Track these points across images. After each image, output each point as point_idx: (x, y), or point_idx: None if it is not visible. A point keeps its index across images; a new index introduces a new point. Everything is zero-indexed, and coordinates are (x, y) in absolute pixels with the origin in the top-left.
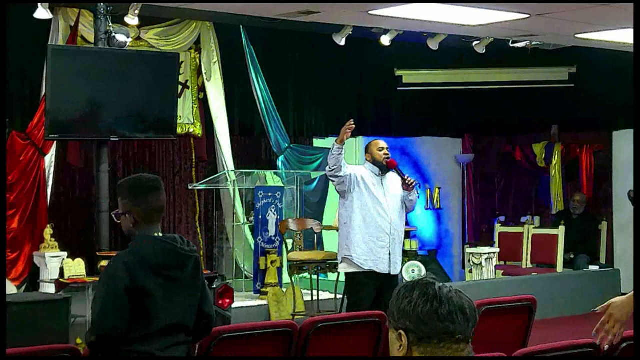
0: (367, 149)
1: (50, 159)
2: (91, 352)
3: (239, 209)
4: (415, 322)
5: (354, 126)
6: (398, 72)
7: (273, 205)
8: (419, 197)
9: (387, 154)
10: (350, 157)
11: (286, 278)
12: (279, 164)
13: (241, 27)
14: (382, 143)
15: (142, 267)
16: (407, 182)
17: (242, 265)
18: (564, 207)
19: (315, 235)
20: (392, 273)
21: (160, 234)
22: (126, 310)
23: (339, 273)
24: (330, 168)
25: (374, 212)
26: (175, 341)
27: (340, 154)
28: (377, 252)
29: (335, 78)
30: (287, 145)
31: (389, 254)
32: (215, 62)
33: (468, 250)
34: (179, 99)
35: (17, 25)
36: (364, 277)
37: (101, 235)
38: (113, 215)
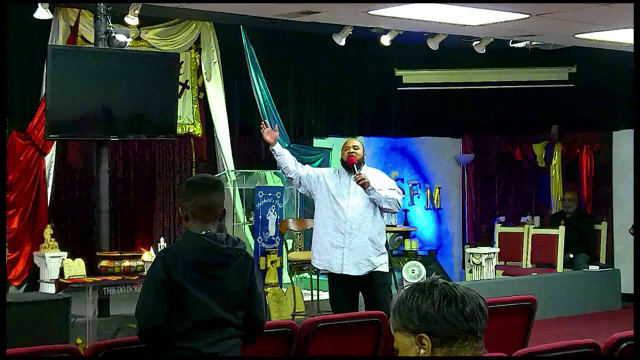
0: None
1: (50, 159)
2: (142, 344)
3: (239, 209)
4: (441, 325)
5: (265, 126)
6: (398, 72)
7: (273, 205)
8: (388, 199)
9: (351, 152)
10: None
11: (286, 278)
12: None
13: (241, 27)
14: (350, 142)
15: (179, 263)
16: (355, 178)
17: None
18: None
19: None
20: (347, 273)
21: (209, 232)
22: (162, 303)
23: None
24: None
25: (331, 211)
26: (222, 336)
27: (277, 155)
28: (330, 252)
29: (335, 78)
30: (287, 145)
31: (343, 254)
32: (215, 62)
33: (468, 250)
34: (179, 99)
35: (17, 25)
36: (331, 277)
37: (101, 235)
38: (179, 210)
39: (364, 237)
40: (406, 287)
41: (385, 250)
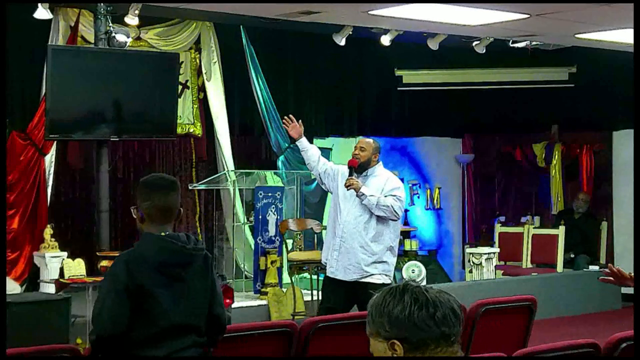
0: None
1: (50, 159)
2: (93, 352)
3: (239, 209)
4: (412, 330)
5: (289, 121)
6: (398, 72)
7: (273, 205)
8: (381, 206)
9: (355, 154)
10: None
11: (286, 278)
12: (279, 164)
13: (241, 27)
14: (358, 142)
15: (142, 266)
16: (344, 183)
17: (242, 265)
18: (564, 207)
19: (315, 235)
20: (335, 277)
21: (168, 233)
22: (125, 308)
23: None
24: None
25: (334, 212)
26: (185, 344)
27: (302, 151)
28: (330, 254)
29: (335, 78)
30: (287, 145)
31: (335, 257)
32: (215, 62)
33: (468, 250)
34: (179, 99)
35: (17, 25)
36: (325, 277)
37: (101, 235)
38: (131, 209)
39: (354, 242)
40: (379, 292)
41: (386, 259)
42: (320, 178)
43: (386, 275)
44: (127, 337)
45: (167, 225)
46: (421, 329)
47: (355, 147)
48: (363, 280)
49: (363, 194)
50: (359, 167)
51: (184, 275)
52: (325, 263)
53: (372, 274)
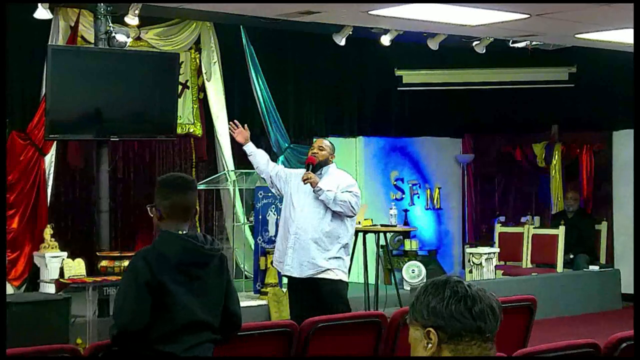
0: None
1: (50, 159)
2: (115, 347)
3: (239, 209)
4: (448, 320)
5: (235, 126)
6: (398, 72)
7: (273, 205)
8: (339, 202)
9: (313, 152)
10: (350, 157)
11: (286, 278)
12: (279, 163)
13: (241, 27)
14: (316, 142)
15: (161, 263)
16: (302, 177)
17: (242, 265)
18: (563, 207)
19: None
20: (290, 274)
21: (186, 232)
22: (147, 303)
23: None
24: None
25: (287, 211)
26: (200, 340)
27: (249, 155)
28: (284, 252)
29: (335, 78)
30: (287, 145)
31: (290, 254)
32: (215, 62)
33: (468, 250)
34: (179, 99)
35: (17, 25)
36: (288, 281)
37: (101, 235)
38: (147, 208)
39: (307, 237)
40: (423, 284)
41: (340, 255)
42: (271, 181)
43: (342, 271)
44: (146, 333)
45: (185, 223)
46: (457, 319)
47: (314, 146)
48: (319, 276)
49: (320, 189)
50: (315, 166)
51: (201, 274)
52: (276, 266)
53: (327, 269)
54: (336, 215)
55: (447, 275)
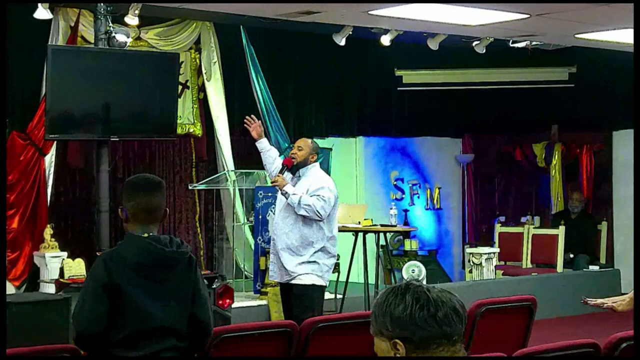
0: None
1: (50, 159)
2: (78, 348)
3: (239, 209)
4: (414, 330)
5: (252, 121)
6: (398, 72)
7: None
8: (304, 205)
9: (292, 153)
10: (350, 157)
11: None
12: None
13: (241, 27)
14: (297, 142)
15: (120, 266)
16: (271, 180)
17: (242, 265)
18: (564, 207)
19: None
20: (277, 279)
21: (151, 234)
22: (104, 307)
23: (339, 273)
24: None
25: (274, 215)
26: (164, 346)
27: (262, 151)
28: (270, 257)
29: (335, 78)
30: (287, 145)
31: (272, 260)
32: (215, 62)
33: (468, 250)
34: (179, 99)
35: (17, 25)
36: (278, 283)
37: (101, 235)
38: (118, 210)
39: (283, 243)
40: (381, 291)
41: (316, 259)
42: (271, 177)
43: (317, 275)
44: (106, 337)
45: (152, 225)
46: (422, 328)
47: (294, 146)
48: (293, 281)
49: (286, 192)
50: (293, 167)
51: (163, 277)
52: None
53: (299, 275)
54: (305, 219)
55: (407, 281)
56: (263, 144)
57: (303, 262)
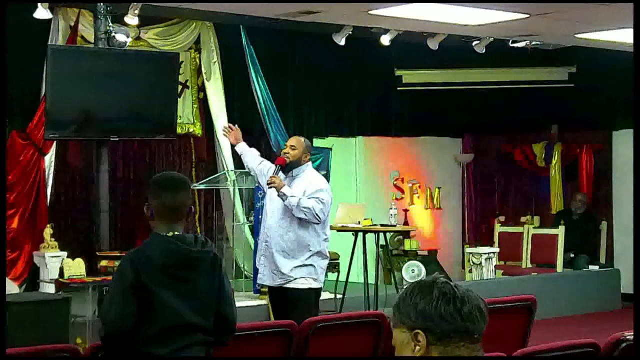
0: None
1: (50, 159)
2: (104, 348)
3: (239, 209)
4: (437, 322)
5: (230, 130)
6: (398, 72)
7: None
8: (302, 208)
9: (285, 152)
10: (350, 157)
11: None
12: None
13: (241, 27)
14: (289, 141)
15: (147, 266)
16: (267, 181)
17: (242, 265)
18: (563, 207)
19: None
20: (263, 283)
21: (176, 233)
22: (132, 306)
23: (339, 273)
24: None
25: (264, 216)
26: (189, 342)
27: (242, 154)
28: (259, 260)
29: (335, 78)
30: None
31: (263, 263)
32: (215, 62)
33: (468, 250)
34: (179, 99)
35: (17, 25)
36: (267, 287)
37: (101, 235)
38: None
39: (278, 246)
40: (407, 286)
41: (312, 262)
42: (257, 179)
43: (313, 279)
44: (134, 336)
45: (177, 224)
46: (447, 321)
47: (286, 145)
48: (287, 286)
49: (284, 194)
50: (287, 167)
51: (189, 276)
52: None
53: (296, 279)
54: (302, 221)
55: (434, 277)
56: (242, 147)
57: (299, 266)
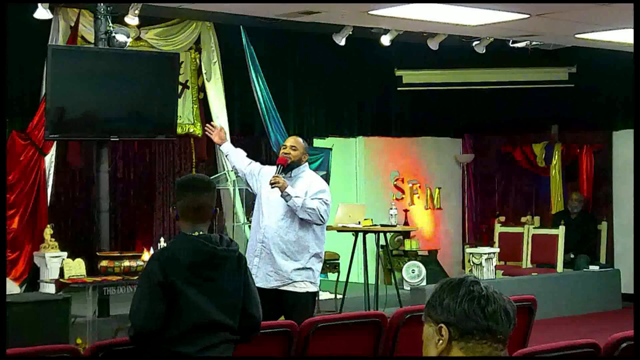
0: None
1: (50, 159)
2: (134, 346)
3: (239, 209)
4: (460, 317)
5: (212, 129)
6: (398, 72)
7: None
8: (306, 209)
9: (286, 152)
10: (350, 157)
11: None
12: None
13: (241, 27)
14: (288, 140)
15: (173, 265)
16: (270, 181)
17: None
18: (564, 207)
19: None
20: (259, 285)
21: (201, 233)
22: (161, 304)
23: (339, 273)
24: None
25: (257, 216)
26: (216, 340)
27: (225, 155)
28: (251, 261)
29: (335, 78)
30: None
31: (256, 264)
32: (215, 62)
33: (468, 250)
34: (179, 99)
35: (17, 25)
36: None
37: (101, 235)
38: (170, 208)
39: (276, 247)
40: (440, 281)
41: (311, 265)
42: (245, 179)
43: (311, 282)
44: (162, 334)
45: (201, 224)
46: (469, 317)
47: (285, 145)
48: (284, 288)
49: (288, 194)
50: (287, 167)
51: (215, 275)
52: None
53: (294, 282)
54: (305, 223)
55: (465, 275)
56: (227, 147)
57: (299, 269)
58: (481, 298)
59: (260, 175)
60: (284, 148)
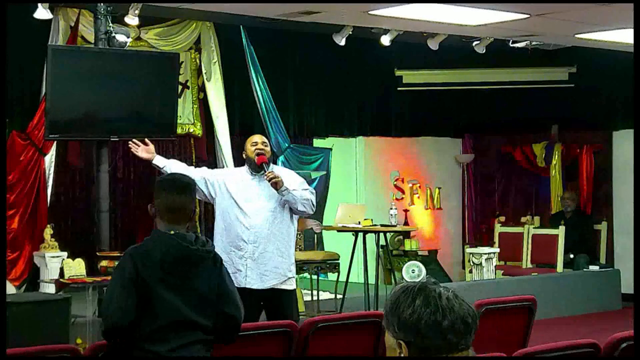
0: (244, 147)
1: (50, 159)
2: (107, 343)
3: None
4: (417, 337)
5: (137, 145)
6: (398, 72)
7: None
8: (303, 200)
9: (260, 149)
10: (350, 157)
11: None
12: (279, 164)
13: (241, 27)
14: (256, 137)
15: (147, 261)
16: (267, 177)
17: None
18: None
19: (315, 235)
20: (250, 287)
21: (177, 231)
22: (132, 299)
23: (339, 273)
24: None
25: (234, 217)
26: (188, 340)
27: (161, 169)
28: (235, 263)
29: (335, 78)
30: (287, 145)
31: (247, 265)
32: (215, 62)
33: (468, 250)
34: (179, 99)
35: (17, 25)
36: (241, 291)
37: (101, 235)
38: (148, 206)
39: (270, 245)
40: (397, 287)
41: (294, 261)
42: (205, 190)
43: (294, 280)
44: (134, 330)
45: (178, 225)
46: (426, 336)
47: (256, 142)
48: (279, 287)
49: (286, 189)
50: (261, 165)
51: (188, 273)
52: None
53: (289, 279)
54: (287, 216)
55: (421, 282)
56: (162, 160)
57: (291, 264)
58: (437, 313)
59: (223, 179)
60: (254, 145)
